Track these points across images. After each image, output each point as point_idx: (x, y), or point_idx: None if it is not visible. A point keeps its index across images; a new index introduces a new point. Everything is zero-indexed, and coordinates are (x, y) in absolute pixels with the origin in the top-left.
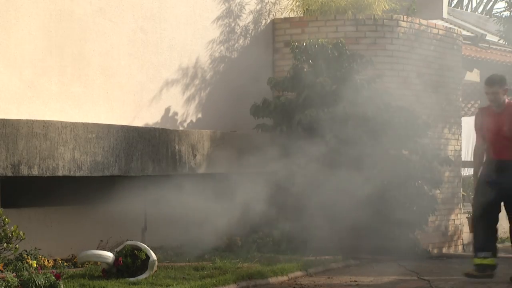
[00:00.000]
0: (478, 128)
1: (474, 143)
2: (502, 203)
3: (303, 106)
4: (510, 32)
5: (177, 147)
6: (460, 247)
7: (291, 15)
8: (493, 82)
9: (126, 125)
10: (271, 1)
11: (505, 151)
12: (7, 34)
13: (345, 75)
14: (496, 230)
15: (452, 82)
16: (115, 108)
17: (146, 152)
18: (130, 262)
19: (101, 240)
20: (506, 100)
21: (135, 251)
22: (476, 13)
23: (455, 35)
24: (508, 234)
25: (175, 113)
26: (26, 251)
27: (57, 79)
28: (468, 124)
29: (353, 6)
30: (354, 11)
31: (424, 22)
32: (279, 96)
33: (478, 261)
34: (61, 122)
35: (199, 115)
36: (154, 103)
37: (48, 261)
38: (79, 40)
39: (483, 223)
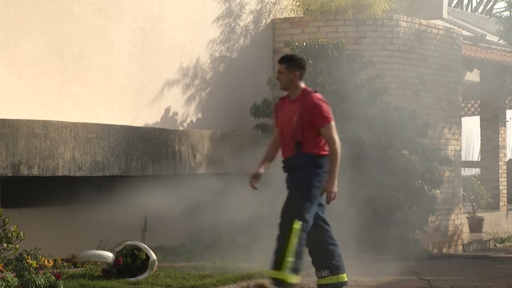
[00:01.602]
0: (274, 118)
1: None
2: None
3: None
4: (510, 32)
5: (177, 147)
6: (460, 247)
7: (291, 15)
8: (282, 60)
9: (126, 125)
10: (271, 1)
11: (291, 147)
12: (7, 34)
13: (345, 75)
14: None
15: (452, 82)
16: (115, 108)
17: (146, 152)
18: (130, 262)
19: (101, 240)
20: (303, 86)
21: (135, 251)
22: (476, 13)
23: (455, 35)
24: (508, 235)
25: (175, 113)
26: (26, 251)
27: (57, 79)
28: (468, 124)
29: (353, 6)
30: (354, 11)
31: (424, 22)
32: (279, 96)
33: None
34: (61, 122)
35: (199, 115)
36: (154, 103)
37: (48, 261)
38: (79, 40)
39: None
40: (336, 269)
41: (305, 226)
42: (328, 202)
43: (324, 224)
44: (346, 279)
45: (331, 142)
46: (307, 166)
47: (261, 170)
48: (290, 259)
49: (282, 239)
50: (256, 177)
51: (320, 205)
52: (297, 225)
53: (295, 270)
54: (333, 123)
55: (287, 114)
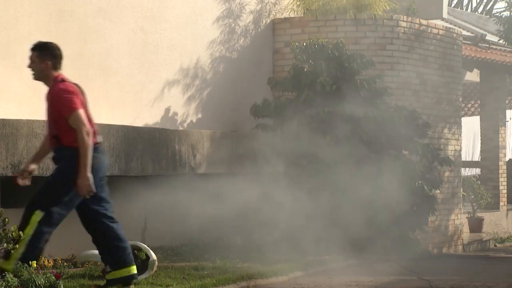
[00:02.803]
0: None
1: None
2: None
3: (303, 106)
4: (510, 32)
5: (177, 147)
6: (460, 247)
7: (291, 15)
8: (34, 48)
9: (126, 125)
10: (271, 1)
11: (52, 140)
12: (7, 34)
13: (345, 75)
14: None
15: (452, 82)
16: (115, 108)
17: (146, 152)
18: None
19: None
20: (55, 76)
21: (135, 251)
22: (476, 13)
23: (455, 35)
24: (508, 235)
25: (175, 113)
26: None
27: None
28: (468, 124)
29: (354, 6)
30: (354, 11)
31: (424, 22)
32: (279, 96)
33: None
34: None
35: (199, 115)
36: (154, 103)
37: (48, 261)
38: (79, 40)
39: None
40: (117, 263)
41: (48, 219)
42: (81, 196)
43: (108, 221)
44: (133, 272)
45: (77, 132)
46: (67, 159)
47: (32, 167)
48: (21, 250)
49: (20, 228)
50: (23, 174)
51: (106, 201)
52: (37, 216)
53: (25, 260)
54: (79, 112)
55: (46, 105)
